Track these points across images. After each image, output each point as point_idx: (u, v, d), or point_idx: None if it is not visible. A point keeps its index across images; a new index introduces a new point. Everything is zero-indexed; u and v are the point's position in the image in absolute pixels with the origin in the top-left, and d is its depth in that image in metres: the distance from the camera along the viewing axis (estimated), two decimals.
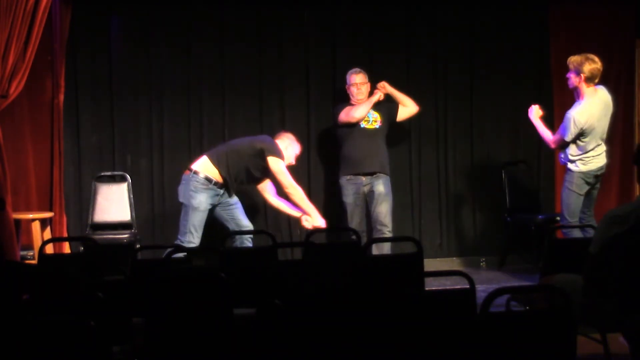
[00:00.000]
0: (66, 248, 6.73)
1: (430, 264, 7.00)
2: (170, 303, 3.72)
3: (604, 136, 6.31)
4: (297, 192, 6.30)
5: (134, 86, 7.26)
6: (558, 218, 6.70)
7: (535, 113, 6.48)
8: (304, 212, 6.34)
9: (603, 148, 6.32)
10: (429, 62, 7.70)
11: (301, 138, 7.47)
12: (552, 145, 6.38)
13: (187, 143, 7.29)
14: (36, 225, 6.54)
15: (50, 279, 3.90)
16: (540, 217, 7.31)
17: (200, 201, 6.13)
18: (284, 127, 7.37)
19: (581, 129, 6.13)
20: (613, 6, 7.79)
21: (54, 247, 6.51)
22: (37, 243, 6.42)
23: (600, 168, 6.33)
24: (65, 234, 6.92)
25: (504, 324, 3.20)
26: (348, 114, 6.84)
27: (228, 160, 6.21)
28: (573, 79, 6.19)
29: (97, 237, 6.33)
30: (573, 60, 6.19)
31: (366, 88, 6.94)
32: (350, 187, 6.82)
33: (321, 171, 7.48)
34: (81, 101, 7.16)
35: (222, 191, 6.24)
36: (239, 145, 6.35)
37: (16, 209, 6.55)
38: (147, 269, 4.73)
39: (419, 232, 7.66)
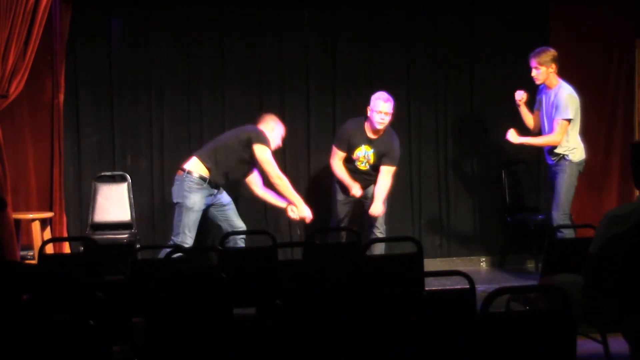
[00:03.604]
0: (66, 248, 6.73)
1: (430, 264, 7.01)
2: (170, 303, 3.72)
3: None
4: (282, 182, 6.20)
5: (134, 86, 7.26)
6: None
7: (513, 136, 6.53)
8: (290, 202, 6.29)
9: None
10: (429, 62, 7.70)
11: (301, 138, 7.50)
12: (557, 139, 6.30)
13: (187, 143, 7.28)
14: (36, 225, 6.54)
15: (50, 279, 3.90)
16: (540, 217, 7.29)
17: (194, 201, 6.05)
18: (284, 127, 7.37)
19: (578, 104, 6.30)
20: (613, 6, 7.79)
21: (54, 247, 6.51)
22: (37, 243, 6.42)
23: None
24: (65, 234, 6.91)
25: (504, 324, 3.20)
26: (332, 166, 6.65)
27: (217, 157, 6.13)
28: (544, 73, 6.38)
29: (97, 237, 6.32)
30: (541, 59, 6.37)
31: (389, 119, 6.49)
32: (343, 188, 6.73)
33: (321, 171, 7.46)
34: (81, 101, 7.16)
35: (216, 191, 6.19)
36: (225, 139, 6.27)
37: (16, 209, 6.55)
38: (147, 269, 4.73)
39: (419, 232, 7.65)
